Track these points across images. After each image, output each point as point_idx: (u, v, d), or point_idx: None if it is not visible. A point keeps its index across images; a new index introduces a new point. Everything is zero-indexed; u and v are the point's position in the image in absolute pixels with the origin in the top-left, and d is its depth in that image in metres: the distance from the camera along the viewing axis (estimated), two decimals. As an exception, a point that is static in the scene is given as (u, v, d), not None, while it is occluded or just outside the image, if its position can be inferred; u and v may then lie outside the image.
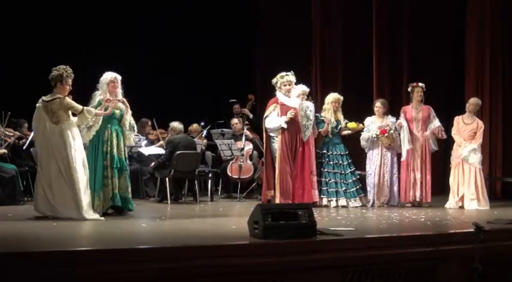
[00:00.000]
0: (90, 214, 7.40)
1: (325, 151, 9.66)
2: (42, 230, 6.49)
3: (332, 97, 9.87)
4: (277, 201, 8.44)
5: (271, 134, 8.70)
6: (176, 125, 10.56)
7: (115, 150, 7.96)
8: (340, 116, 9.81)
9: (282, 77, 8.66)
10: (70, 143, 7.43)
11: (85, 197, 7.42)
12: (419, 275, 5.97)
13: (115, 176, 7.92)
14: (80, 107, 7.55)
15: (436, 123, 9.75)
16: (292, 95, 9.23)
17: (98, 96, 8.00)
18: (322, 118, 9.72)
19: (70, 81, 7.57)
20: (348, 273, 5.65)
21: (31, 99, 11.00)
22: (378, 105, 9.93)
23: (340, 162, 9.61)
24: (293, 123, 8.85)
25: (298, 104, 8.82)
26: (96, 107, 7.84)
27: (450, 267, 6.07)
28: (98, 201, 7.79)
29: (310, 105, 8.86)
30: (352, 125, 9.70)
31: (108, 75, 8.08)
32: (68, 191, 7.38)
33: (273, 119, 8.54)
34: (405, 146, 9.65)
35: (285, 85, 8.65)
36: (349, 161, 9.69)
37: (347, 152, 9.73)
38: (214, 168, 11.60)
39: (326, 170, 9.57)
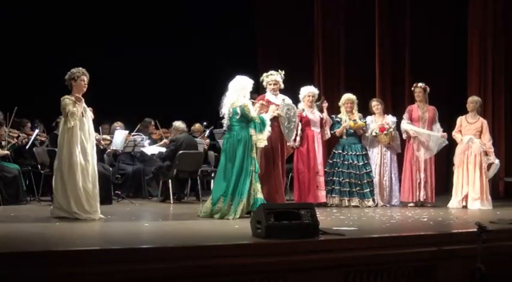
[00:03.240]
0: (81, 215, 7.34)
1: (340, 151, 9.66)
2: (45, 230, 6.50)
3: (343, 98, 9.89)
4: None
5: None
6: (179, 124, 10.56)
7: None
8: (356, 116, 9.78)
9: (267, 76, 8.63)
10: (63, 145, 7.41)
11: (78, 199, 7.37)
12: (422, 275, 5.97)
13: (257, 181, 7.87)
14: (67, 111, 7.41)
15: (439, 127, 9.76)
16: (301, 95, 9.37)
17: (246, 101, 7.84)
18: (337, 119, 9.73)
19: (83, 78, 7.52)
20: (351, 273, 5.65)
21: (32, 99, 11.12)
22: (374, 103, 9.94)
23: (355, 162, 9.59)
24: (277, 121, 8.73)
25: (280, 102, 8.72)
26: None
27: (453, 267, 6.07)
28: (242, 206, 7.66)
29: (291, 107, 8.81)
30: (351, 123, 9.69)
31: (250, 81, 8.00)
32: (63, 191, 7.40)
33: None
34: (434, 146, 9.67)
35: (270, 84, 8.61)
36: (366, 161, 9.66)
37: (364, 152, 9.71)
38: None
39: (340, 169, 9.57)
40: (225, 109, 7.87)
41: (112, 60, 11.97)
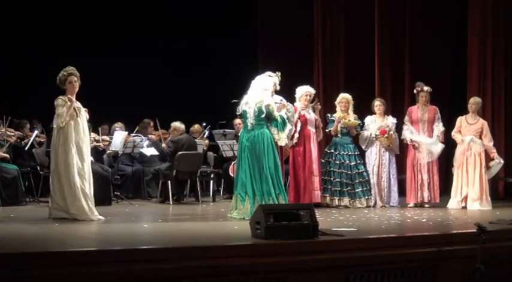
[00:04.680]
0: (79, 216, 7.32)
1: (332, 150, 9.66)
2: (44, 231, 6.50)
3: (339, 97, 9.90)
4: None
5: None
6: (179, 125, 10.56)
7: None
8: (352, 116, 9.78)
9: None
10: (59, 146, 7.42)
11: (75, 199, 7.35)
12: (421, 276, 5.96)
13: None
14: (58, 112, 7.42)
15: (440, 127, 9.74)
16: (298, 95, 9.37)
17: (270, 100, 7.89)
18: (332, 118, 9.73)
19: (71, 79, 7.48)
20: (350, 274, 5.65)
21: (33, 100, 11.11)
22: (377, 103, 9.92)
23: (347, 162, 9.58)
24: None
25: (278, 102, 8.73)
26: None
27: (452, 267, 6.07)
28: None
29: (289, 107, 8.81)
30: (344, 120, 9.69)
31: (272, 80, 8.10)
32: (60, 192, 7.40)
33: None
34: (435, 151, 9.66)
35: None
36: (359, 161, 9.64)
37: (357, 153, 9.70)
38: (216, 169, 11.60)
39: (332, 169, 9.57)
40: (248, 108, 7.85)
41: (112, 60, 11.96)
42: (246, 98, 7.93)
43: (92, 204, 7.47)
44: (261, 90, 7.87)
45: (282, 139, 7.96)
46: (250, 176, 7.69)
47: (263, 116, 7.77)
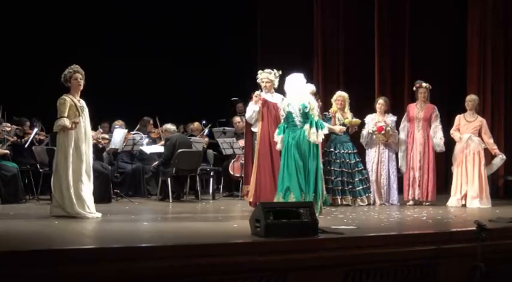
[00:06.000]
0: (76, 214, 7.33)
1: (332, 149, 9.65)
2: (44, 229, 6.50)
3: (336, 95, 9.91)
4: (251, 199, 8.44)
5: (253, 129, 8.70)
6: (169, 126, 10.63)
7: None
8: (348, 114, 9.78)
9: (260, 74, 8.66)
10: (58, 145, 7.46)
11: (71, 198, 7.36)
12: (421, 274, 5.97)
13: None
14: (59, 123, 7.43)
15: (437, 124, 9.71)
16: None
17: (310, 97, 8.01)
18: (329, 116, 9.73)
19: (76, 76, 7.48)
20: (350, 272, 5.65)
21: (33, 98, 11.12)
22: (380, 102, 9.95)
23: (347, 160, 9.59)
24: (274, 119, 8.69)
25: (279, 101, 8.71)
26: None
27: (452, 265, 6.07)
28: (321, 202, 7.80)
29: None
30: (346, 120, 9.71)
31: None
32: (59, 190, 7.42)
33: (248, 108, 8.52)
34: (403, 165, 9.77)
35: (263, 82, 8.63)
36: (357, 159, 9.65)
37: (355, 151, 9.71)
38: (216, 167, 11.61)
39: (332, 168, 9.55)
40: (292, 108, 7.83)
41: (112, 59, 11.97)
42: (287, 101, 7.93)
43: (87, 203, 7.45)
44: (299, 87, 7.92)
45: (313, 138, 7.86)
46: (296, 174, 7.67)
47: (306, 110, 7.79)
